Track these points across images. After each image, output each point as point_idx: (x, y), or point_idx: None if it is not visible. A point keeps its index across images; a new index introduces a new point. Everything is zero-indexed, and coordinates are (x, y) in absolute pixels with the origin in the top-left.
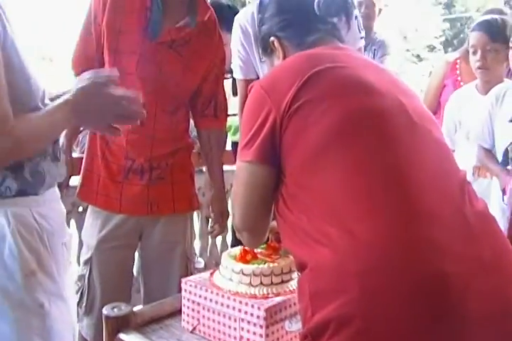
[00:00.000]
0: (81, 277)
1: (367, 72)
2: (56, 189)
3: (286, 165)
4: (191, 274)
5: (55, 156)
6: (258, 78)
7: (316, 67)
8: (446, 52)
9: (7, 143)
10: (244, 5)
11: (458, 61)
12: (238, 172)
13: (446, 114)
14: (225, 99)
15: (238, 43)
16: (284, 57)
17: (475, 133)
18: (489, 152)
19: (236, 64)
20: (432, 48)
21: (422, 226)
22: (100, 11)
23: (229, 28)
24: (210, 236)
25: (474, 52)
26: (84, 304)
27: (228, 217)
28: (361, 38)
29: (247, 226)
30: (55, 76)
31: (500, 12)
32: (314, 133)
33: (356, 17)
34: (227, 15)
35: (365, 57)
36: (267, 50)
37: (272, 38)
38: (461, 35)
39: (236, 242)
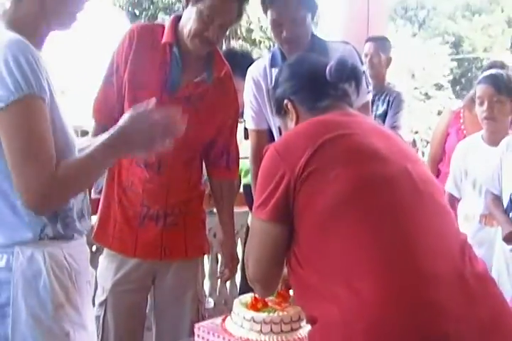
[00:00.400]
0: (96, 318)
1: (375, 138)
2: (83, 239)
3: (299, 225)
4: (202, 316)
5: (82, 214)
6: (269, 128)
7: (328, 135)
8: (454, 90)
9: (53, 184)
10: (254, 43)
11: (461, 110)
12: (253, 227)
13: (452, 163)
14: (237, 151)
15: (251, 95)
16: (297, 120)
17: (484, 179)
18: (497, 199)
19: (248, 114)
20: (439, 87)
21: (425, 289)
22: (123, 64)
23: (242, 75)
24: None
25: (481, 104)
26: None
27: (238, 261)
28: (368, 92)
29: (260, 279)
30: (66, 109)
31: (502, 64)
32: (326, 197)
33: (364, 72)
34: (240, 63)
35: (373, 123)
36: (280, 111)
37: (285, 101)
38: (469, 74)
39: (245, 285)
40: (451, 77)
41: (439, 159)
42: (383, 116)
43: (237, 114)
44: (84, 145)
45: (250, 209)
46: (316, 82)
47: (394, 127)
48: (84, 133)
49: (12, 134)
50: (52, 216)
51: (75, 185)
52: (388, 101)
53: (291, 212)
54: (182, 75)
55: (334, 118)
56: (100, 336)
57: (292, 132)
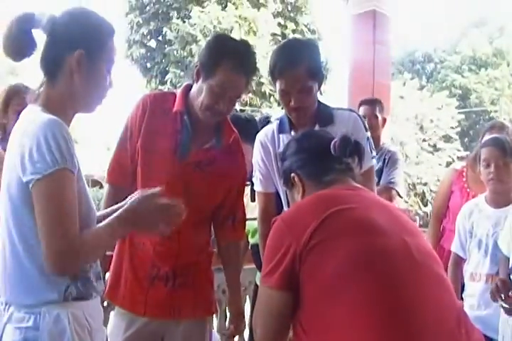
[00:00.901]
0: None
1: (376, 212)
2: (99, 298)
3: (304, 293)
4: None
5: (99, 276)
6: (277, 191)
7: (332, 208)
8: (462, 142)
9: (71, 254)
10: (264, 97)
11: (465, 169)
12: (260, 294)
13: (458, 225)
14: (244, 213)
15: (259, 158)
16: (303, 192)
17: (492, 242)
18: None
19: (256, 177)
20: (448, 138)
21: None
22: (136, 131)
23: (247, 139)
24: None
25: (487, 166)
26: None
27: (244, 318)
28: (372, 157)
29: None
30: (79, 158)
31: (503, 125)
32: (328, 268)
33: (368, 138)
34: (244, 127)
35: (375, 196)
36: (288, 183)
37: (292, 174)
38: (477, 126)
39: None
40: (459, 129)
41: (443, 216)
42: (378, 174)
43: (245, 179)
44: (100, 215)
45: (257, 267)
46: (322, 157)
47: (390, 183)
48: (94, 183)
49: (45, 203)
50: (74, 276)
51: (90, 253)
52: (384, 159)
53: (297, 280)
54: (192, 142)
55: (338, 192)
56: None
57: (298, 205)
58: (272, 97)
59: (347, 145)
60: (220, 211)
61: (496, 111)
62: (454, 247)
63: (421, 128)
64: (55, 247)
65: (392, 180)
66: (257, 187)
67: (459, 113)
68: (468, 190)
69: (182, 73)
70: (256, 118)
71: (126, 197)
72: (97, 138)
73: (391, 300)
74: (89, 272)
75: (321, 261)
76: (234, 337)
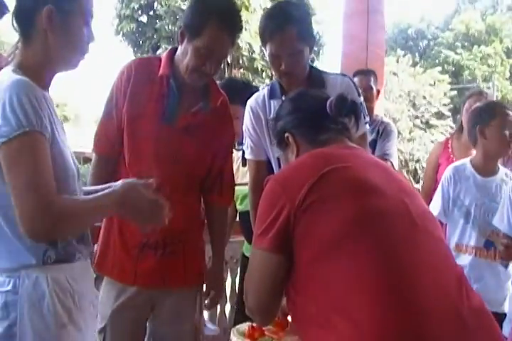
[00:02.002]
0: None
1: (373, 172)
2: (88, 260)
3: (298, 254)
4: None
5: (82, 239)
6: (268, 159)
7: (327, 167)
8: (454, 119)
9: (46, 219)
10: (256, 72)
11: (449, 141)
12: (253, 258)
13: (442, 190)
14: (232, 178)
15: (250, 126)
16: (298, 152)
17: (485, 217)
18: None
19: (247, 145)
20: (440, 115)
21: (421, 324)
22: (121, 98)
23: (243, 103)
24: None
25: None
26: None
27: (222, 291)
28: (366, 123)
29: (260, 309)
30: (70, 135)
31: (481, 92)
32: (325, 228)
33: (361, 103)
34: (241, 91)
35: (371, 156)
36: (281, 143)
37: (286, 134)
38: None
39: (239, 315)
40: (451, 106)
41: (433, 190)
42: (373, 145)
43: (232, 142)
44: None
45: (245, 236)
46: (317, 116)
47: (385, 155)
48: (86, 160)
49: (13, 167)
50: (53, 241)
51: (70, 220)
52: (378, 130)
53: (291, 242)
54: (179, 106)
55: (334, 151)
56: None
57: (293, 164)
58: (264, 73)
59: (343, 104)
60: (208, 176)
61: (488, 88)
62: (437, 213)
63: (413, 104)
64: (29, 212)
65: (387, 152)
66: (248, 155)
67: (451, 89)
68: (453, 158)
69: None
70: None
71: (114, 167)
72: (88, 116)
73: (390, 261)
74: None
75: (317, 220)
76: (210, 308)
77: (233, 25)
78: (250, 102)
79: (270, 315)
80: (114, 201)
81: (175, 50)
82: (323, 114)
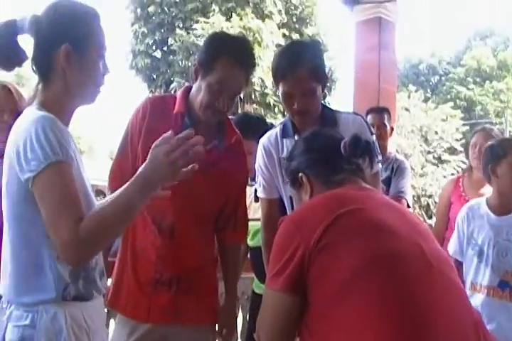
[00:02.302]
0: None
1: (388, 213)
2: (101, 297)
3: (312, 295)
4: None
5: (103, 273)
6: (280, 198)
7: (342, 209)
8: (467, 154)
9: (84, 236)
10: (269, 107)
11: (461, 179)
12: (266, 298)
13: (457, 228)
14: (246, 216)
15: (262, 165)
16: (312, 192)
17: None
18: None
19: (260, 183)
20: (453, 151)
21: None
22: (136, 135)
23: (256, 138)
24: None
25: (474, 147)
26: None
27: (233, 328)
28: (378, 162)
29: None
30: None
31: (485, 128)
32: (339, 270)
33: (374, 142)
34: (255, 126)
35: (386, 198)
36: (295, 183)
37: (300, 174)
38: None
39: None
40: (463, 141)
41: (445, 228)
42: (387, 182)
43: (246, 180)
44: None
45: (255, 272)
46: (331, 157)
47: (400, 192)
48: (98, 192)
49: (46, 195)
50: (76, 275)
51: (103, 233)
52: (392, 168)
53: (305, 282)
54: None
55: (348, 192)
56: None
57: (308, 205)
58: (276, 108)
59: (358, 145)
60: (221, 213)
61: (501, 124)
62: (453, 251)
63: (425, 140)
64: (63, 237)
65: (402, 189)
66: (260, 194)
67: (463, 125)
68: (465, 197)
69: (187, 83)
70: None
71: None
72: (102, 149)
73: (405, 304)
74: (93, 270)
75: (331, 262)
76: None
77: (245, 60)
78: (263, 141)
79: None
80: (139, 185)
81: (190, 88)
82: (337, 154)
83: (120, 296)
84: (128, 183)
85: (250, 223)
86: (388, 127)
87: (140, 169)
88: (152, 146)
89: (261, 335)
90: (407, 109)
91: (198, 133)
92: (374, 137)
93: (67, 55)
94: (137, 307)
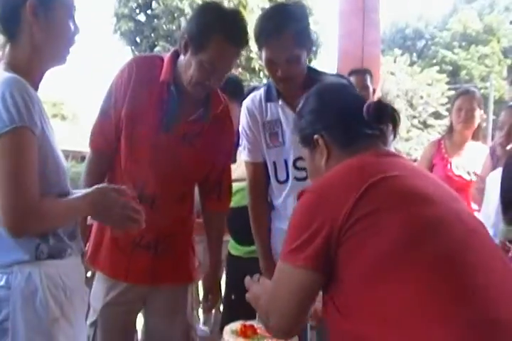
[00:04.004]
0: (87, 338)
1: (418, 179)
2: (79, 256)
3: (343, 274)
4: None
5: (74, 235)
6: (265, 162)
7: (370, 179)
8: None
9: (30, 213)
10: (254, 72)
11: (442, 141)
12: (282, 275)
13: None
14: (230, 184)
15: (246, 127)
16: (328, 156)
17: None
18: None
19: (244, 146)
20: (438, 115)
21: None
22: (121, 99)
23: (240, 100)
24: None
25: (501, 128)
26: None
27: (218, 294)
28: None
29: (283, 331)
30: (66, 134)
31: (468, 91)
32: (379, 244)
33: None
34: (234, 88)
35: (412, 163)
36: (308, 144)
37: (316, 136)
38: None
39: (227, 315)
40: (448, 106)
41: None
42: None
43: (232, 149)
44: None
45: (232, 233)
46: (352, 119)
47: None
48: (83, 159)
49: (1, 162)
50: (43, 235)
51: (50, 217)
52: None
53: (331, 259)
54: (179, 113)
55: (374, 160)
56: None
57: (332, 175)
58: (261, 72)
59: (384, 110)
60: (205, 182)
61: (486, 88)
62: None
63: (411, 104)
64: (12, 212)
65: None
66: (245, 157)
67: (449, 89)
68: (448, 158)
69: (171, 47)
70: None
71: (109, 164)
72: (86, 115)
73: (453, 272)
74: (57, 230)
75: (367, 236)
76: (209, 311)
77: (239, 38)
78: (247, 103)
79: (294, 331)
80: (86, 203)
81: (177, 54)
82: (359, 116)
83: (99, 255)
84: (79, 198)
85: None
86: (371, 88)
87: (91, 194)
88: (109, 187)
89: (272, 313)
90: (392, 73)
91: (184, 103)
92: None
93: (34, 10)
94: (116, 268)
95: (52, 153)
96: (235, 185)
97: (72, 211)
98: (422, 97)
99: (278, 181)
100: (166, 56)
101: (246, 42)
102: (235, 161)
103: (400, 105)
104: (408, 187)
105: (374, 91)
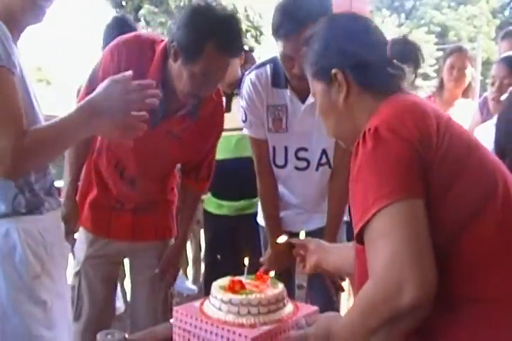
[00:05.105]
0: (72, 287)
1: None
2: (58, 212)
3: (439, 212)
4: (171, 295)
5: (50, 192)
6: (266, 140)
7: (437, 118)
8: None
9: (22, 148)
10: None
11: (432, 98)
12: (381, 225)
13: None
14: (212, 168)
15: (251, 105)
16: (347, 94)
17: None
18: None
19: (249, 121)
20: (426, 76)
21: None
22: (115, 73)
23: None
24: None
25: (493, 83)
26: (73, 311)
27: (177, 270)
28: None
29: (428, 287)
30: (51, 99)
31: (461, 49)
32: (470, 186)
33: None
34: None
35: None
36: (324, 77)
37: (334, 70)
38: None
39: (210, 273)
40: (437, 67)
41: None
42: None
43: (218, 141)
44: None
45: (210, 187)
46: (376, 57)
47: None
48: None
49: None
50: (20, 186)
51: (41, 152)
52: None
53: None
54: (165, 111)
55: (411, 98)
56: (75, 304)
57: (396, 111)
58: (249, 33)
59: (406, 48)
60: (187, 163)
61: (473, 49)
62: None
63: None
64: (3, 150)
65: None
66: (250, 133)
67: (437, 50)
68: None
69: (156, 9)
70: None
71: (93, 144)
72: (70, 79)
73: None
74: (33, 184)
75: (457, 175)
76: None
77: (233, 48)
78: (253, 79)
79: (430, 288)
80: (85, 111)
81: (166, 50)
82: (383, 55)
83: (82, 210)
84: (76, 108)
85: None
86: None
87: (91, 96)
88: (109, 78)
89: (402, 276)
90: None
91: (172, 100)
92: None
93: None
94: (98, 224)
95: (29, 96)
96: None
97: (64, 129)
98: None
99: (276, 165)
100: (157, 49)
101: (241, 49)
102: (229, 110)
103: None
104: (466, 134)
105: None
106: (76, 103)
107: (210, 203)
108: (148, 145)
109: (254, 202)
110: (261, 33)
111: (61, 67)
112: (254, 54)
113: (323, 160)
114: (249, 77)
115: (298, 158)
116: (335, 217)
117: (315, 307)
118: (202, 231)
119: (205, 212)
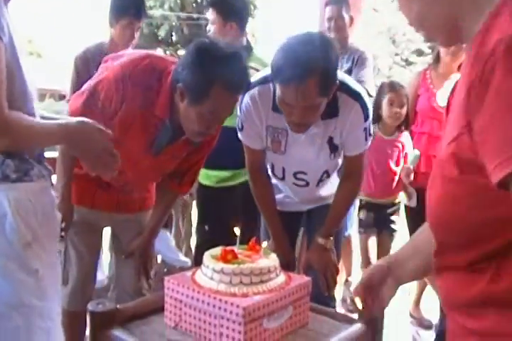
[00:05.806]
0: (59, 252)
1: None
2: (49, 182)
3: None
4: (150, 261)
5: (39, 160)
6: (264, 150)
7: None
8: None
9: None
10: None
11: (427, 71)
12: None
13: None
14: (194, 176)
15: (249, 119)
16: None
17: None
18: None
19: (244, 129)
20: (420, 53)
21: None
22: (118, 104)
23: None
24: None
25: None
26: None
27: (148, 262)
28: (366, 144)
29: None
30: (43, 72)
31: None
32: None
33: (365, 129)
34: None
35: None
36: None
37: None
38: None
39: (202, 244)
40: (431, 43)
41: (412, 122)
42: (348, 74)
43: (211, 150)
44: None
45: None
46: None
47: (360, 82)
48: (61, 97)
49: None
50: (8, 153)
51: (21, 133)
52: (353, 59)
53: None
54: (169, 142)
55: None
56: (63, 269)
57: None
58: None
59: None
60: (174, 170)
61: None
62: None
63: (393, 41)
64: None
65: (361, 79)
66: (245, 142)
67: None
68: (433, 89)
69: None
70: None
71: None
72: (62, 51)
73: None
74: (23, 153)
75: None
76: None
77: (240, 86)
78: (255, 97)
79: None
80: (65, 131)
81: (172, 89)
82: None
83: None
84: (59, 124)
85: None
86: (347, 18)
87: (74, 124)
88: (97, 126)
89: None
90: (375, 10)
91: (177, 133)
92: (369, 122)
93: None
94: (82, 198)
95: (20, 73)
96: None
97: (45, 134)
98: (404, 34)
99: (274, 175)
100: (164, 82)
101: (247, 85)
102: None
103: (382, 42)
104: None
105: (352, 19)
106: (69, 92)
107: (202, 175)
108: (146, 166)
109: (238, 172)
110: (255, 7)
111: (52, 39)
112: (247, 28)
113: (324, 176)
114: (252, 92)
115: (297, 178)
116: (335, 219)
117: (308, 278)
118: (194, 203)
119: (199, 185)
